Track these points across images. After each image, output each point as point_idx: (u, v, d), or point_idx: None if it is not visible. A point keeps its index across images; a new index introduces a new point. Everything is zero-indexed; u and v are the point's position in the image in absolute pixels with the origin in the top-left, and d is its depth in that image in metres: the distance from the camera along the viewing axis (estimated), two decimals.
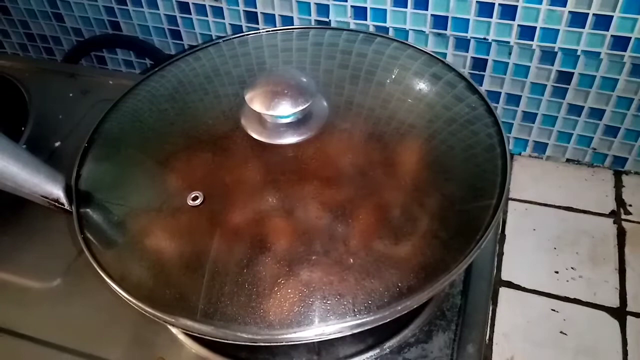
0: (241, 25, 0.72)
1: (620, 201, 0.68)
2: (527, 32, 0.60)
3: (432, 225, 0.33)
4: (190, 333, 0.31)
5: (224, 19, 0.72)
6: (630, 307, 0.59)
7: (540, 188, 0.70)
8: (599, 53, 0.59)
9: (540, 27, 0.59)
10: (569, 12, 0.57)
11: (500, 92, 0.68)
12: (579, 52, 0.60)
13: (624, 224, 0.66)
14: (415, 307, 0.30)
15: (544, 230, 0.66)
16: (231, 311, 0.30)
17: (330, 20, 0.67)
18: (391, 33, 0.65)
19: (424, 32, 0.64)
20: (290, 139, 0.36)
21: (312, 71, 0.41)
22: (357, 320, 0.29)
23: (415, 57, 0.42)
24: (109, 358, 0.41)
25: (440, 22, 0.62)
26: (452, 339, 0.40)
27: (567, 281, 0.61)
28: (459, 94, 0.39)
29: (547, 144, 0.72)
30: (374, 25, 0.65)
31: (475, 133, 0.37)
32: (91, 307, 0.43)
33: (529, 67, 0.64)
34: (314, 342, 0.30)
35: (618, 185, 0.70)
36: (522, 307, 0.60)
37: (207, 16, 0.72)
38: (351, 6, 0.64)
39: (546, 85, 0.65)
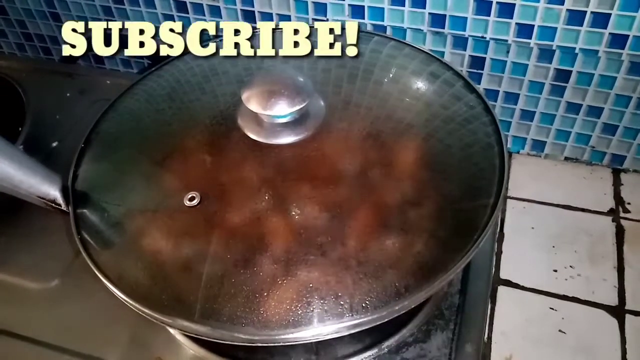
0: None
1: (618, 199, 0.68)
2: (525, 30, 0.60)
3: (429, 224, 0.33)
4: (188, 334, 0.31)
5: (221, 18, 0.72)
6: (629, 306, 0.58)
7: (539, 186, 0.70)
8: (597, 51, 0.59)
9: (538, 25, 0.59)
10: (567, 10, 0.57)
11: (498, 91, 0.68)
12: (577, 50, 0.60)
13: (622, 222, 0.66)
14: (413, 307, 0.30)
15: (543, 229, 0.66)
16: (229, 312, 0.30)
17: (327, 19, 0.67)
18: (389, 32, 0.65)
19: (422, 30, 0.64)
20: (287, 138, 0.36)
21: (309, 70, 0.41)
22: (355, 320, 0.29)
23: (413, 56, 0.42)
24: (107, 358, 0.41)
25: (438, 20, 0.62)
26: (451, 338, 0.40)
27: (566, 279, 0.61)
28: (457, 93, 0.39)
29: (545, 142, 0.72)
30: (371, 23, 0.65)
31: (472, 132, 0.37)
32: (89, 308, 0.43)
33: (527, 65, 0.64)
34: (311, 342, 0.30)
35: (616, 183, 0.70)
36: (521, 305, 0.60)
37: (204, 15, 0.72)
38: (349, 5, 0.64)
39: (544, 83, 0.65)
